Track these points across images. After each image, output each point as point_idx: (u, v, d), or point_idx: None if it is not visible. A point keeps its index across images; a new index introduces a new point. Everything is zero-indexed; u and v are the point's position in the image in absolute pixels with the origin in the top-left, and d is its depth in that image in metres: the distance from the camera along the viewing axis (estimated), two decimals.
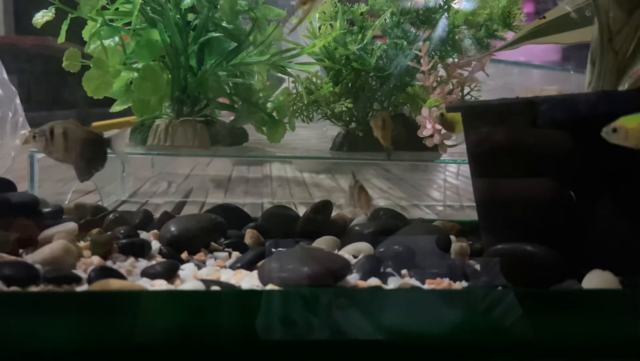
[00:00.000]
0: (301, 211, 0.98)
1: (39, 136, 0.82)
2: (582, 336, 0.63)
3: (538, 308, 0.64)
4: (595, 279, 0.69)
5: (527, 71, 2.05)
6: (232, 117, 1.35)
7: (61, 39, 1.13)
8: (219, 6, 1.21)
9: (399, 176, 2.21)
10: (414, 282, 0.73)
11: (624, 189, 0.72)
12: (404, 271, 0.76)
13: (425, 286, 0.71)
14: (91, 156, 0.83)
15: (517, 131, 0.76)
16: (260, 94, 1.32)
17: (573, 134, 0.71)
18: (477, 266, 0.79)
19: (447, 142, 1.10)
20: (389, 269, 0.77)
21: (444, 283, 0.72)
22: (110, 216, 0.93)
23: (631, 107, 0.65)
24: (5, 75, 1.53)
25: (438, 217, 1.31)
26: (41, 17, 1.07)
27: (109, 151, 0.85)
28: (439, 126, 1.07)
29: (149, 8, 1.19)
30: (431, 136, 1.08)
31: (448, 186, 1.99)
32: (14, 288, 0.62)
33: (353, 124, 1.30)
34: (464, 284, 0.73)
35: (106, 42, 1.17)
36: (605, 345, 0.63)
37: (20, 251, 0.76)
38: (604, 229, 0.72)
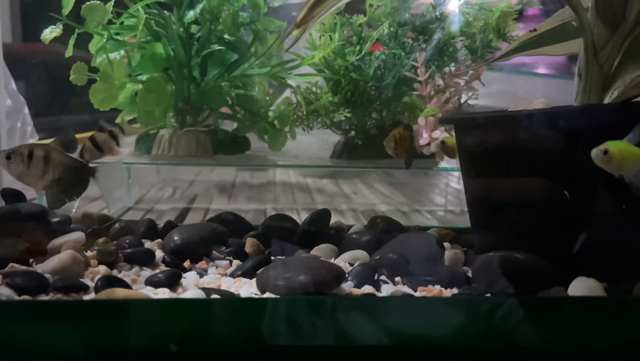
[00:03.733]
0: (304, 217, 1.01)
1: (15, 157, 0.75)
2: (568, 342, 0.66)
3: (525, 315, 0.66)
4: (581, 287, 0.72)
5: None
6: (235, 126, 1.39)
7: (69, 52, 1.16)
8: (221, 19, 1.25)
9: (401, 180, 2.23)
10: (406, 289, 0.76)
11: (607, 198, 0.74)
12: (397, 279, 0.79)
13: (417, 294, 0.74)
14: (68, 184, 0.77)
15: (498, 142, 0.80)
16: (266, 102, 1.36)
17: (553, 145, 0.74)
18: (469, 273, 0.82)
19: None
20: (383, 277, 0.79)
21: (435, 290, 0.75)
22: (116, 225, 0.96)
23: (611, 120, 0.68)
24: (14, 86, 1.56)
25: (439, 222, 1.33)
26: (49, 33, 1.10)
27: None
28: (435, 134, 1.09)
29: (153, 22, 1.23)
30: (428, 144, 1.11)
31: (450, 190, 2.01)
32: (25, 297, 0.66)
33: (352, 133, 1.33)
34: (455, 291, 0.75)
35: (112, 56, 1.20)
36: (589, 352, 0.66)
37: (31, 260, 0.79)
38: (589, 236, 0.75)
